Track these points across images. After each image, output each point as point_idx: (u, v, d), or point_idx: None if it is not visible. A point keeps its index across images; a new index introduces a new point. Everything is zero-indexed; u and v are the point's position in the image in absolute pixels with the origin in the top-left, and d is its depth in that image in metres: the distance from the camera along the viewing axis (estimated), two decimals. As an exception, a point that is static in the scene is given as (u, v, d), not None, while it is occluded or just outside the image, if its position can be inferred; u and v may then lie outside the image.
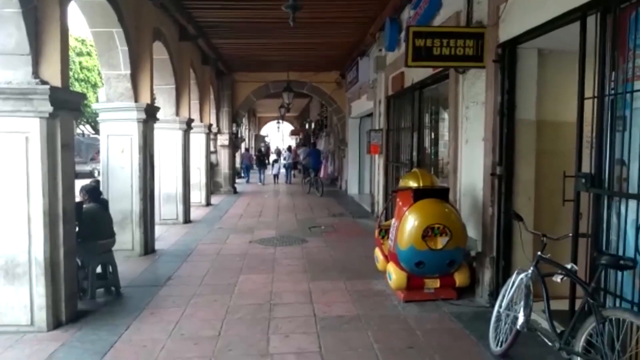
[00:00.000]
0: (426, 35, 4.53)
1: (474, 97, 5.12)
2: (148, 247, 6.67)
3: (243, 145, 23.33)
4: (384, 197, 9.24)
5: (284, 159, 21.09)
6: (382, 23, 8.37)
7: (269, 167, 19.29)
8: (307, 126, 26.91)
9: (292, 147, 27.31)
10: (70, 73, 22.07)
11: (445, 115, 7.29)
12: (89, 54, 24.76)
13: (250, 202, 12.75)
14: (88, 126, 28.56)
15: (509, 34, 4.30)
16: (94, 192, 4.89)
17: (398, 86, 8.00)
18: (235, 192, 14.84)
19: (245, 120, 25.27)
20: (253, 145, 31.11)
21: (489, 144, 4.66)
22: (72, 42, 23.25)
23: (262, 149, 19.93)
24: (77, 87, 23.55)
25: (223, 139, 14.42)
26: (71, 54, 22.84)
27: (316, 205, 11.97)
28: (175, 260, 6.36)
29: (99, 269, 4.91)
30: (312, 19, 8.31)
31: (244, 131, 25.66)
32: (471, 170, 5.17)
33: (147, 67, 6.59)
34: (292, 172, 22.53)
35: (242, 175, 20.15)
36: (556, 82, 4.49)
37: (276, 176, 19.48)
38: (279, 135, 44.13)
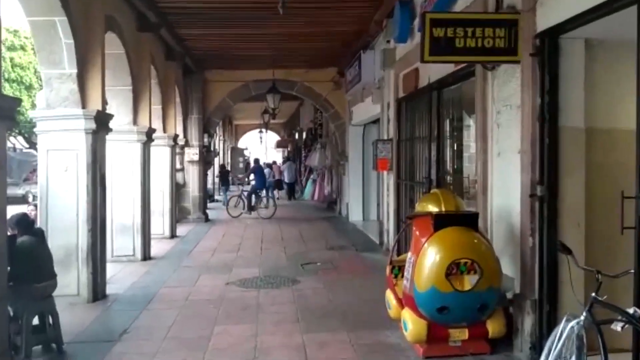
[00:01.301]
0: (446, 23, 4.55)
1: (506, 99, 5.17)
2: (98, 291, 6.65)
3: (217, 161, 23.46)
4: (395, 225, 9.25)
5: (288, 169, 21.81)
6: (390, 8, 8.43)
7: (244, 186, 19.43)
8: (296, 136, 27.14)
9: (277, 163, 27.62)
10: (-1, 72, 22.28)
11: (471, 122, 7.34)
12: (23, 48, 24.75)
13: (226, 233, 12.80)
14: (21, 138, 28.47)
15: (550, 21, 4.34)
16: (22, 223, 4.83)
17: (411, 86, 8.08)
18: (207, 219, 14.92)
19: (219, 130, 25.39)
20: (229, 161, 31.24)
21: (526, 158, 4.70)
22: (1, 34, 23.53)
23: (242, 164, 19.97)
24: (8, 90, 23.43)
25: (192, 154, 14.53)
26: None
27: (310, 236, 12.05)
28: (133, 308, 6.35)
29: (35, 320, 4.83)
30: (303, 2, 8.37)
31: (218, 143, 25.77)
32: (505, 190, 5.19)
33: (97, 64, 6.60)
34: (276, 193, 22.92)
35: (219, 197, 20.24)
36: (609, 81, 4.55)
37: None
38: (262, 147, 44.23)
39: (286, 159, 27.61)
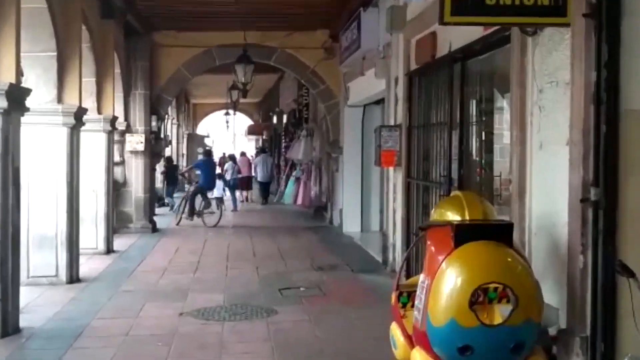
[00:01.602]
0: (474, -27, 4.57)
1: (552, 74, 5.19)
2: (8, 324, 6.60)
3: (169, 152, 23.41)
4: (404, 238, 9.29)
5: (226, 172, 21.92)
6: (399, -49, 8.74)
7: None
8: (274, 120, 27.09)
9: (248, 155, 27.65)
10: None
11: (505, 104, 7.39)
12: None
13: (180, 247, 12.92)
14: None
15: (610, -29, 4.40)
16: None
17: (426, 55, 8.12)
18: (154, 229, 15.05)
19: (172, 111, 25.37)
20: (185, 152, 31.14)
21: (577, 151, 4.73)
22: None
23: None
24: None
25: (135, 142, 14.55)
26: None
27: (291, 252, 12.17)
28: (55, 347, 6.28)
29: None
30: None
31: (171, 129, 25.80)
32: (548, 193, 5.22)
33: (9, 21, 6.53)
34: (245, 194, 23.30)
35: (167, 202, 20.54)
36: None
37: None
38: (229, 134, 44.23)
39: (260, 151, 27.69)
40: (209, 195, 17.21)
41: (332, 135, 15.69)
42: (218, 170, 21.65)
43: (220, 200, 17.52)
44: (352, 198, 14.78)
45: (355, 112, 14.59)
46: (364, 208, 14.75)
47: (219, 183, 18.66)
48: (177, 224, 16.29)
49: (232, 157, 23.89)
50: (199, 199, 16.84)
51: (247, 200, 24.05)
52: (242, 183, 23.56)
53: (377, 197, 14.07)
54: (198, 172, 17.78)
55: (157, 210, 18.26)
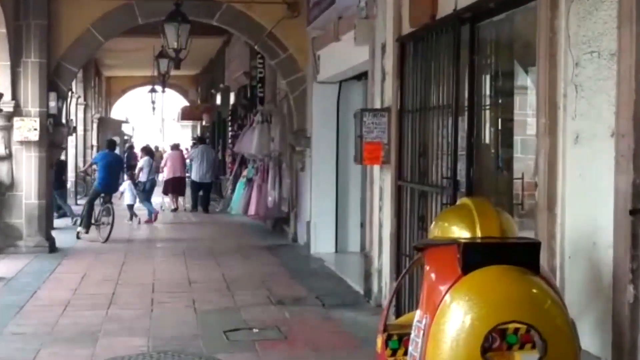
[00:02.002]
0: None
1: (592, 41, 5.22)
2: None
3: (72, 142, 23.64)
4: (393, 261, 9.31)
5: (141, 170, 22.07)
6: None
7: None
8: (217, 101, 27.05)
9: (183, 148, 27.44)
10: None
11: (529, 81, 7.43)
12: None
13: (89, 272, 12.90)
14: None
15: None
16: None
17: (424, 15, 8.14)
18: (52, 248, 14.95)
19: (78, 88, 25.31)
20: (95, 143, 31.19)
21: (625, 145, 4.77)
22: None
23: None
24: None
25: (27, 129, 14.44)
26: None
27: (241, 280, 12.18)
28: None
29: None
30: None
31: (76, 111, 25.73)
32: (587, 201, 5.25)
33: None
34: (176, 201, 23.85)
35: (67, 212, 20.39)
36: None
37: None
38: (156, 119, 43.94)
39: (198, 141, 27.59)
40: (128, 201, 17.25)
41: (297, 122, 15.66)
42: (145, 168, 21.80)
43: (130, 208, 17.67)
44: (324, 207, 14.78)
45: (327, 90, 14.63)
46: (340, 220, 14.77)
47: (128, 185, 18.97)
48: (78, 237, 16.67)
49: (147, 151, 23.82)
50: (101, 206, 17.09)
51: (178, 208, 24.12)
52: (173, 186, 23.61)
53: (358, 206, 14.21)
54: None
55: (57, 223, 18.07)
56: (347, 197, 14.67)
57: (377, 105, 9.95)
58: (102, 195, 17.46)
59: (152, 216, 20.82)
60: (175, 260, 14.13)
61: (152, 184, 22.05)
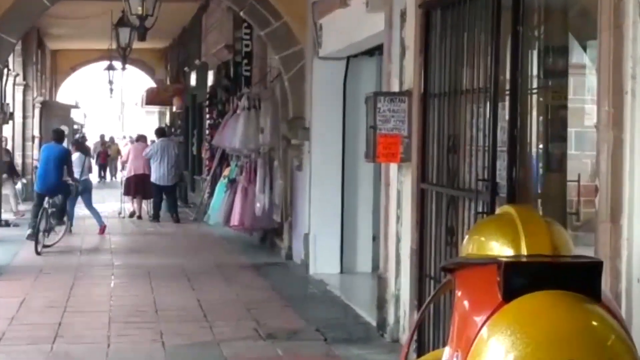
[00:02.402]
0: None
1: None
2: None
3: (8, 132, 23.79)
4: (414, 284, 9.25)
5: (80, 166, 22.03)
6: None
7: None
8: (192, 80, 27.39)
9: (146, 140, 27.51)
10: None
11: (586, 59, 7.42)
12: None
13: (29, 296, 12.84)
14: None
15: None
16: None
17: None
18: None
19: (16, 64, 25.33)
20: (37, 133, 31.18)
21: None
22: None
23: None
24: None
25: None
26: None
27: (222, 309, 12.20)
28: None
29: None
30: None
31: (13, 93, 25.85)
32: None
33: None
34: (135, 205, 23.95)
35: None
36: None
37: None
38: (115, 104, 43.96)
39: (158, 134, 26.83)
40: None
41: (293, 109, 15.69)
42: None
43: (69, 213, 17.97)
44: (326, 215, 14.82)
45: (332, 68, 14.66)
46: (346, 233, 14.81)
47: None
48: (38, 253, 16.84)
49: (80, 146, 23.78)
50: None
51: (141, 216, 24.40)
52: (136, 185, 23.88)
53: (369, 215, 14.27)
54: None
55: None
56: (355, 203, 14.70)
57: (395, 88, 9.94)
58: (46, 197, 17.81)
59: (101, 225, 20.99)
60: (138, 282, 14.16)
61: (87, 185, 21.84)
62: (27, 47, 27.02)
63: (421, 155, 9.12)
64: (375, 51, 12.96)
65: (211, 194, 21.74)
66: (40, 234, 17.12)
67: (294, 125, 15.60)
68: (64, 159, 19.33)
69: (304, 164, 15.42)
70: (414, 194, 9.28)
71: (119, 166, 24.76)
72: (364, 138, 10.77)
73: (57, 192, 18.28)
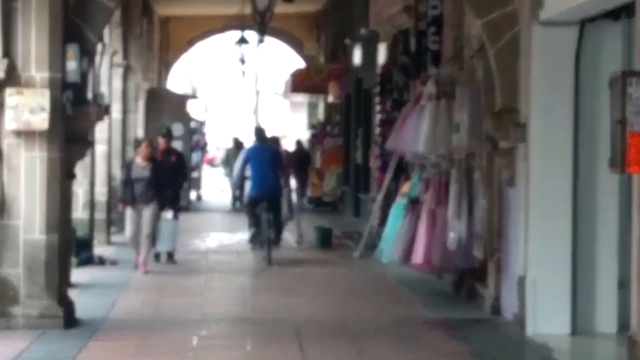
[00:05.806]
0: None
1: None
2: None
3: (104, 132, 23.70)
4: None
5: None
6: None
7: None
8: (356, 59, 27.44)
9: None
10: None
11: None
12: None
13: None
14: None
15: None
16: None
17: None
18: (69, 320, 14.18)
19: (114, 37, 24.82)
20: (142, 133, 30.89)
21: None
22: None
23: (194, 145, 20.36)
24: None
25: (29, 109, 13.87)
26: None
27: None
28: None
29: None
30: None
31: (110, 77, 24.89)
32: None
33: None
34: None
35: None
36: None
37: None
38: (248, 93, 42.63)
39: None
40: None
41: (502, 97, 14.44)
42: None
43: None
44: (551, 251, 13.53)
45: (559, 38, 13.38)
46: (580, 276, 13.46)
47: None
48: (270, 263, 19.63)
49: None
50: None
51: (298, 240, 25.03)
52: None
53: (614, 250, 13.48)
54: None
55: (77, 274, 17.57)
56: (593, 232, 13.41)
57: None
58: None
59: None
60: (281, 344, 13.13)
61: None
62: (128, 13, 26.20)
63: None
64: (622, 12, 12.12)
65: (383, 219, 20.64)
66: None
67: (504, 121, 14.48)
68: (279, 160, 21.46)
69: (518, 176, 14.25)
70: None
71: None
72: (605, 138, 10.83)
73: (277, 196, 20.40)
